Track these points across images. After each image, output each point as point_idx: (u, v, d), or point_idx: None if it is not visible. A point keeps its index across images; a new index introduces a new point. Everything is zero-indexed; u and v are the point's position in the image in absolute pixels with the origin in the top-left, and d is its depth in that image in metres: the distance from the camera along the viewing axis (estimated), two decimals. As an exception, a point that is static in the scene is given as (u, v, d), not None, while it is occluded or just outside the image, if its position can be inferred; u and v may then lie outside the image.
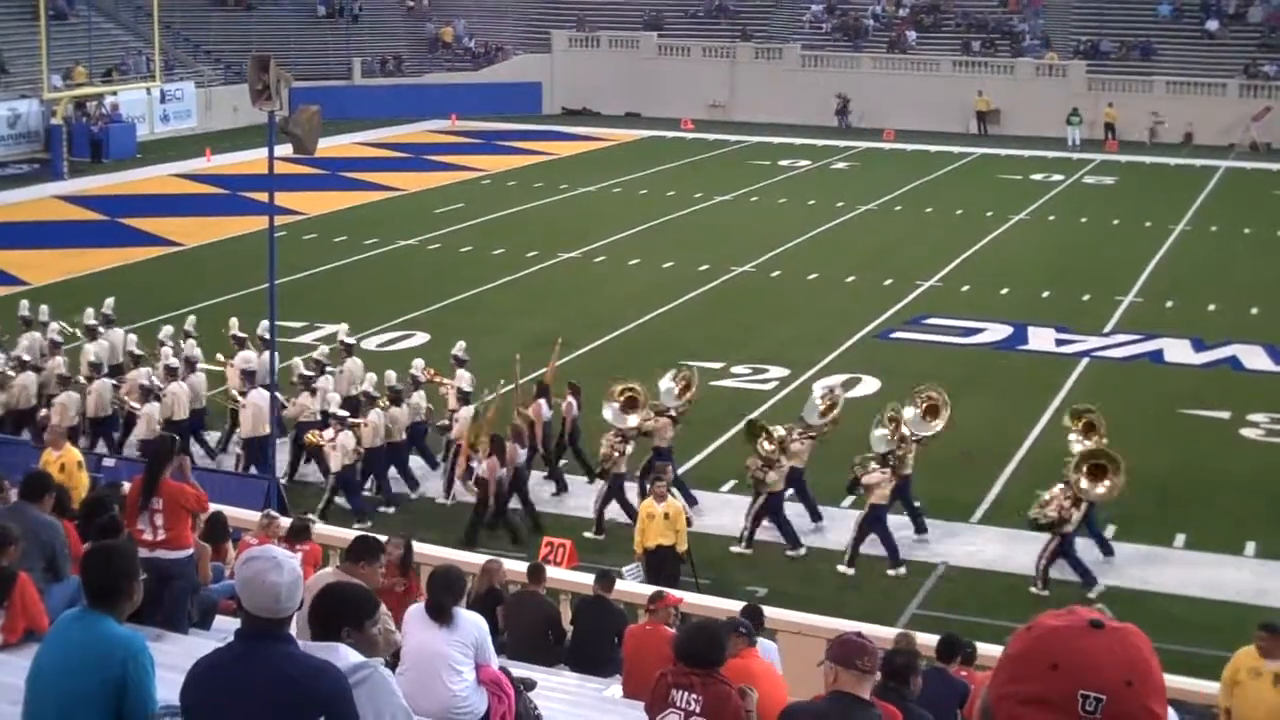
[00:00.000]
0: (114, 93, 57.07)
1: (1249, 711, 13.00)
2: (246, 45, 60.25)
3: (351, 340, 25.70)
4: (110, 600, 7.02)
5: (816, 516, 21.69)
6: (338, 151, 53.41)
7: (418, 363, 24.47)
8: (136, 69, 60.69)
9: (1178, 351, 31.14)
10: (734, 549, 20.88)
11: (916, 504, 21.46)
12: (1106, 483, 19.33)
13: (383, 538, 12.27)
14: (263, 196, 25.43)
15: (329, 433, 22.10)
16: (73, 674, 6.80)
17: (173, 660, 8.91)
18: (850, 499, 21.82)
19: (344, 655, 6.56)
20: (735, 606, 14.42)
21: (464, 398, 23.03)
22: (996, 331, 32.50)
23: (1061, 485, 19.39)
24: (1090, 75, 65.21)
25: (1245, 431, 26.17)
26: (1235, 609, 18.85)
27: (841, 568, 20.19)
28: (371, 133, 61.44)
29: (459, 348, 24.51)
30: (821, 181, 53.26)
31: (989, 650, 13.62)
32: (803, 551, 20.71)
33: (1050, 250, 41.60)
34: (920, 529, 21.30)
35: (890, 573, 20.09)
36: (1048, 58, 66.85)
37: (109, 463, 21.73)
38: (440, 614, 9.95)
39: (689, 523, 19.56)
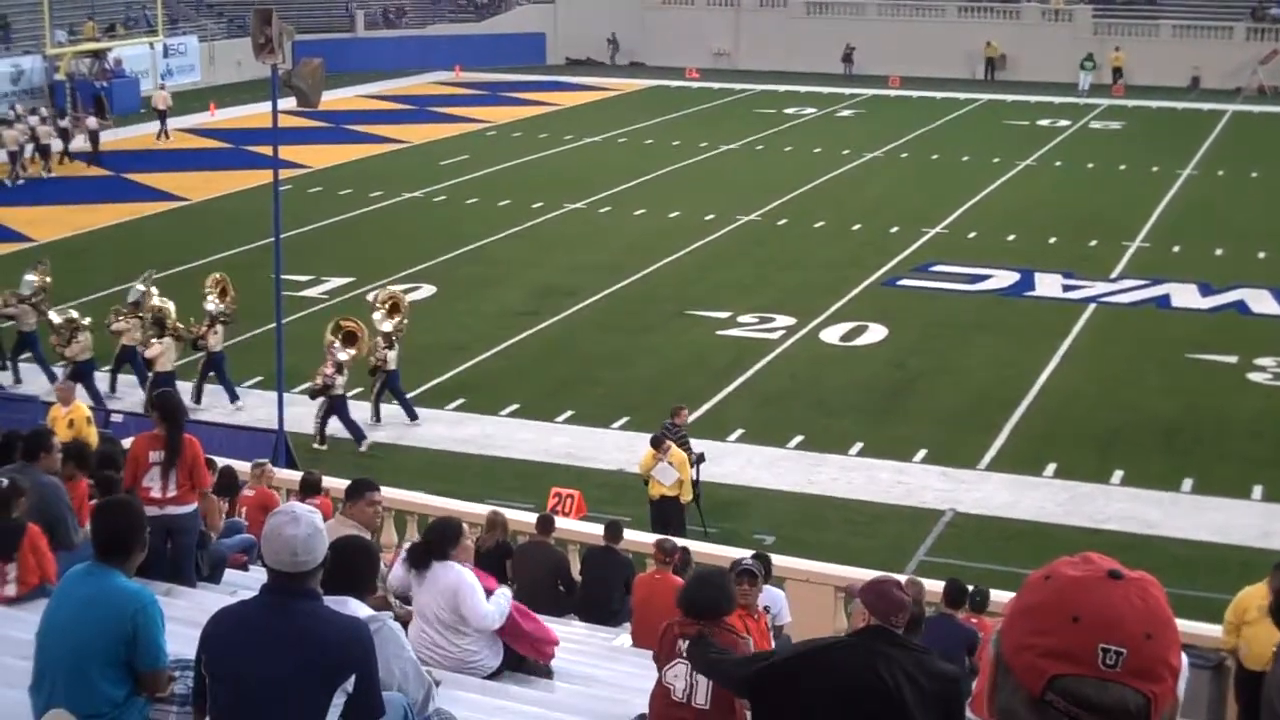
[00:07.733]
0: (110, 48, 56.64)
1: (1261, 649, 12.97)
2: (249, -2, 59.94)
3: None
4: (119, 554, 7.03)
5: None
6: (341, 104, 53.27)
7: None
8: (139, 24, 60.44)
9: (1185, 296, 31.08)
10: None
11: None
12: (353, 350, 23.15)
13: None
14: (267, 150, 25.29)
15: None
16: (83, 628, 6.81)
17: (183, 614, 8.95)
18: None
19: (354, 608, 6.59)
20: (744, 554, 14.44)
21: None
22: (1003, 278, 32.42)
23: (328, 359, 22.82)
24: (1096, 19, 64.83)
25: (1252, 375, 26.13)
26: (1242, 552, 18.91)
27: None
28: (375, 85, 61.22)
29: None
30: (827, 129, 53.04)
31: (1000, 596, 13.62)
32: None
33: (1057, 196, 41.43)
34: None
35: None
36: (1054, 2, 66.42)
37: (117, 419, 21.79)
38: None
39: (697, 469, 19.51)
